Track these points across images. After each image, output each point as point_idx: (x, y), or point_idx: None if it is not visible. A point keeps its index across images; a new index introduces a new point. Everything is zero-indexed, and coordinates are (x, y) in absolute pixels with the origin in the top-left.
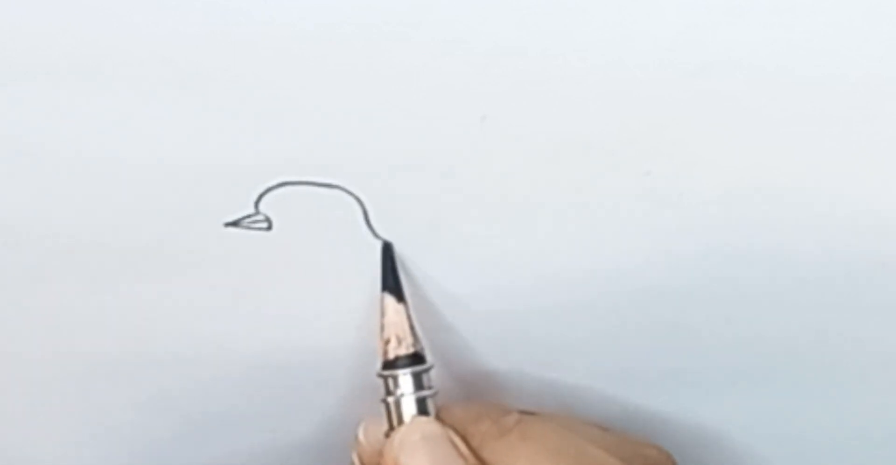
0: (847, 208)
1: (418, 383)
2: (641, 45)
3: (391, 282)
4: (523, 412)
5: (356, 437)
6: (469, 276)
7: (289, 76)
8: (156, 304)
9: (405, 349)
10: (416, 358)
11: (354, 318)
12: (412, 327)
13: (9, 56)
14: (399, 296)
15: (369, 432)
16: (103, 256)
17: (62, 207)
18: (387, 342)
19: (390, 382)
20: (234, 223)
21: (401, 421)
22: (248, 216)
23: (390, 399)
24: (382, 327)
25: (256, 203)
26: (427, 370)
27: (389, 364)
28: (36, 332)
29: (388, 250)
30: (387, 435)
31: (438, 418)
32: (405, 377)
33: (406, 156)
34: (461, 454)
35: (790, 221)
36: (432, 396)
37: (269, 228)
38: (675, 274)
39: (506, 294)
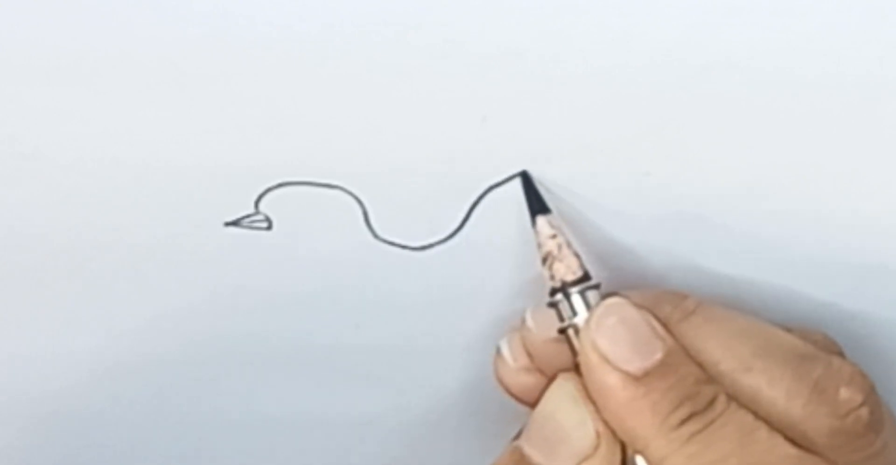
0: (847, 208)
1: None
2: (641, 46)
3: (536, 206)
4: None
5: (522, 321)
6: (471, 276)
7: (289, 77)
8: (156, 304)
9: (573, 273)
10: (584, 278)
11: (354, 317)
12: (570, 245)
13: (9, 56)
14: (552, 217)
15: (537, 317)
16: (103, 256)
17: (62, 207)
18: (551, 268)
19: (563, 307)
20: (234, 223)
21: (574, 350)
22: (248, 216)
23: (566, 325)
24: (546, 256)
25: (256, 203)
26: (597, 287)
27: (558, 290)
28: (36, 332)
29: (526, 177)
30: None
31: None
32: (579, 299)
33: (406, 156)
34: (660, 336)
35: (790, 220)
36: None
37: (269, 228)
38: (674, 273)
39: (507, 295)
